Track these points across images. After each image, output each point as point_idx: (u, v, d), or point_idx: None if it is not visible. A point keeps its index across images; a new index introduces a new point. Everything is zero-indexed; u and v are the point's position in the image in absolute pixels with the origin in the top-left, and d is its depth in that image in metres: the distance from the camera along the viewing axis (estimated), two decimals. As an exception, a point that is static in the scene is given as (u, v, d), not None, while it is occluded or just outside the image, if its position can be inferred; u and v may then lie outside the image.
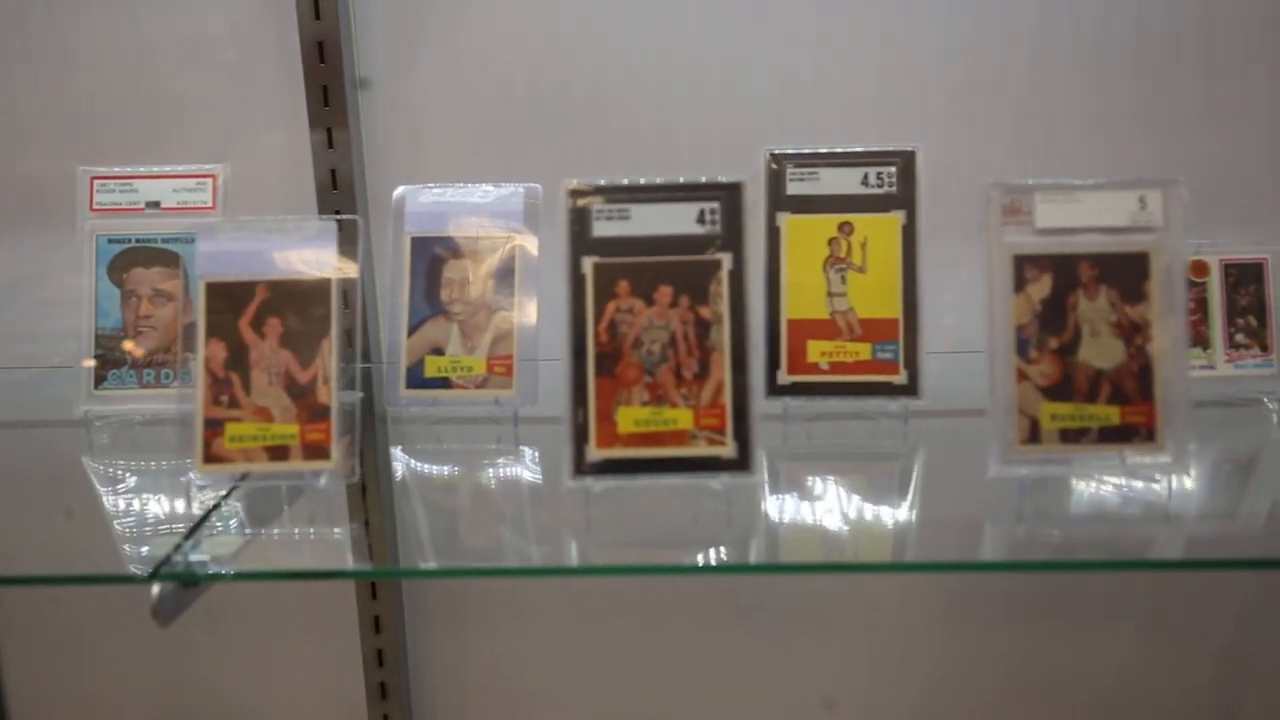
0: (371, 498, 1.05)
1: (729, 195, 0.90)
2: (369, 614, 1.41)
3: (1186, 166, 1.21)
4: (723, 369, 0.89)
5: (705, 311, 0.90)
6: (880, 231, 1.07)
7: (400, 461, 1.09)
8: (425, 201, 1.12)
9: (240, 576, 0.83)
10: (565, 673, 1.47)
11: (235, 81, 1.29)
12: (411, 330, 1.10)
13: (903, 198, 1.07)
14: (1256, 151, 1.21)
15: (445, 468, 1.09)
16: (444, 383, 1.09)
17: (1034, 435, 0.88)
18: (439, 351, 1.10)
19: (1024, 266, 0.89)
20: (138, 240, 1.11)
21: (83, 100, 1.30)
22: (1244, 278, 1.07)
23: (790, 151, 1.08)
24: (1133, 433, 0.87)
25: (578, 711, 1.48)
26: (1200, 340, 1.07)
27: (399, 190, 1.12)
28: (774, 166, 1.08)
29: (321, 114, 1.25)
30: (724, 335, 0.89)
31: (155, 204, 1.12)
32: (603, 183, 0.90)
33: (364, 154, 1.30)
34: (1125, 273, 0.88)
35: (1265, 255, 1.07)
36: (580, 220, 0.90)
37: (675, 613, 1.43)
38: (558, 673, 1.47)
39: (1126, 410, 0.87)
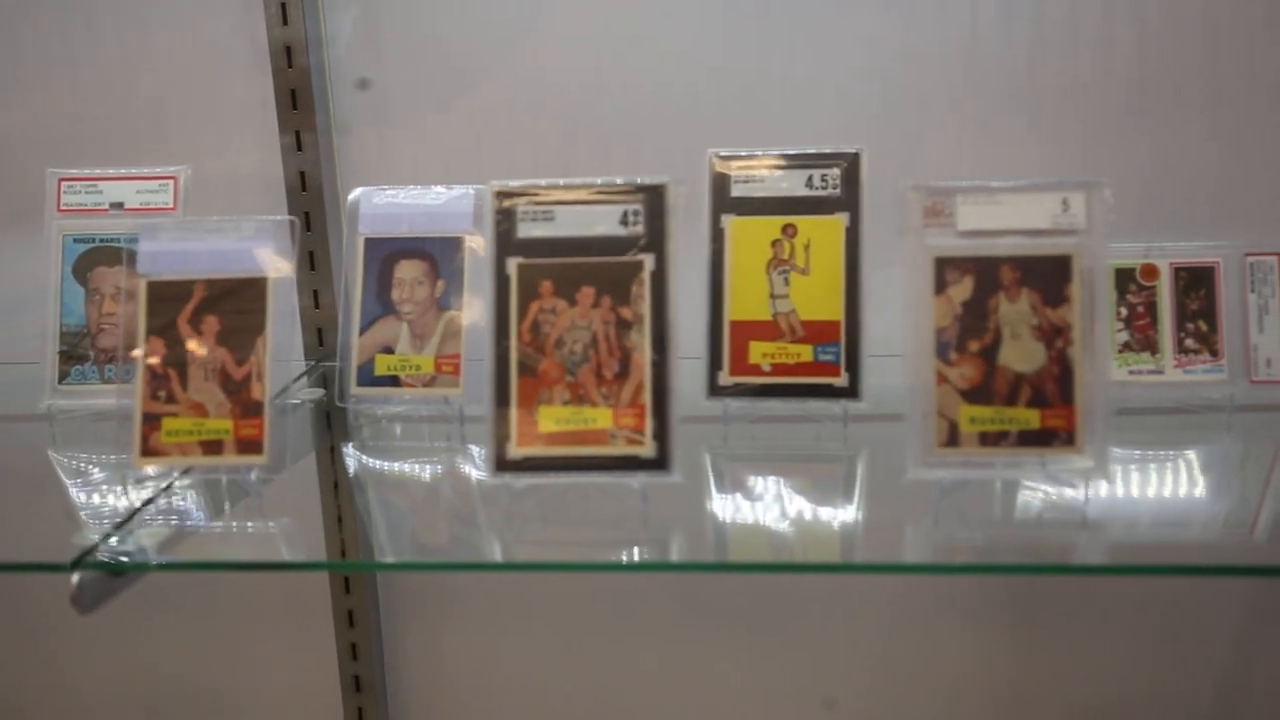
0: (326, 493, 1.08)
1: (651, 197, 0.91)
2: (343, 608, 1.44)
3: (1135, 168, 1.20)
4: (642, 369, 0.90)
5: (627, 312, 0.90)
6: (823, 234, 1.07)
7: (353, 458, 1.11)
8: (379, 203, 1.14)
9: (164, 567, 0.86)
10: (541, 666, 1.48)
11: (210, 86, 1.32)
12: (363, 329, 1.12)
13: (846, 200, 1.07)
14: (1211, 154, 1.19)
15: (393, 464, 1.11)
16: (393, 381, 1.11)
17: (953, 438, 0.87)
18: (389, 350, 1.12)
19: (945, 269, 0.88)
20: (101, 240, 1.15)
21: (64, 104, 1.34)
22: (1195, 281, 1.05)
23: (734, 153, 1.09)
24: (1052, 436, 0.86)
25: (554, 704, 1.50)
26: (1149, 345, 1.05)
27: (355, 192, 1.14)
28: (718, 168, 1.09)
29: (290, 117, 1.28)
30: (644, 336, 0.90)
31: (119, 205, 1.15)
32: (528, 184, 0.91)
33: (335, 156, 1.33)
34: (1047, 276, 0.87)
35: (1216, 259, 1.05)
36: (506, 221, 0.92)
37: (645, 609, 1.44)
38: (533, 666, 1.48)
39: (1046, 414, 0.87)
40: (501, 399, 0.90)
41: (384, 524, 1.02)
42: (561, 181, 0.91)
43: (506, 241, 0.91)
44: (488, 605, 1.47)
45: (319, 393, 1.22)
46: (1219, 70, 1.19)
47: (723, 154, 1.09)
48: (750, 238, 1.08)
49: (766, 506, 0.96)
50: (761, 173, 1.08)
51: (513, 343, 0.90)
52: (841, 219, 1.06)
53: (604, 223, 0.91)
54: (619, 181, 0.91)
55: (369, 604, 1.44)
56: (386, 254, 1.13)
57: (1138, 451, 1.03)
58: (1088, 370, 0.86)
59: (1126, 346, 1.05)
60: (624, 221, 0.91)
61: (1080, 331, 0.86)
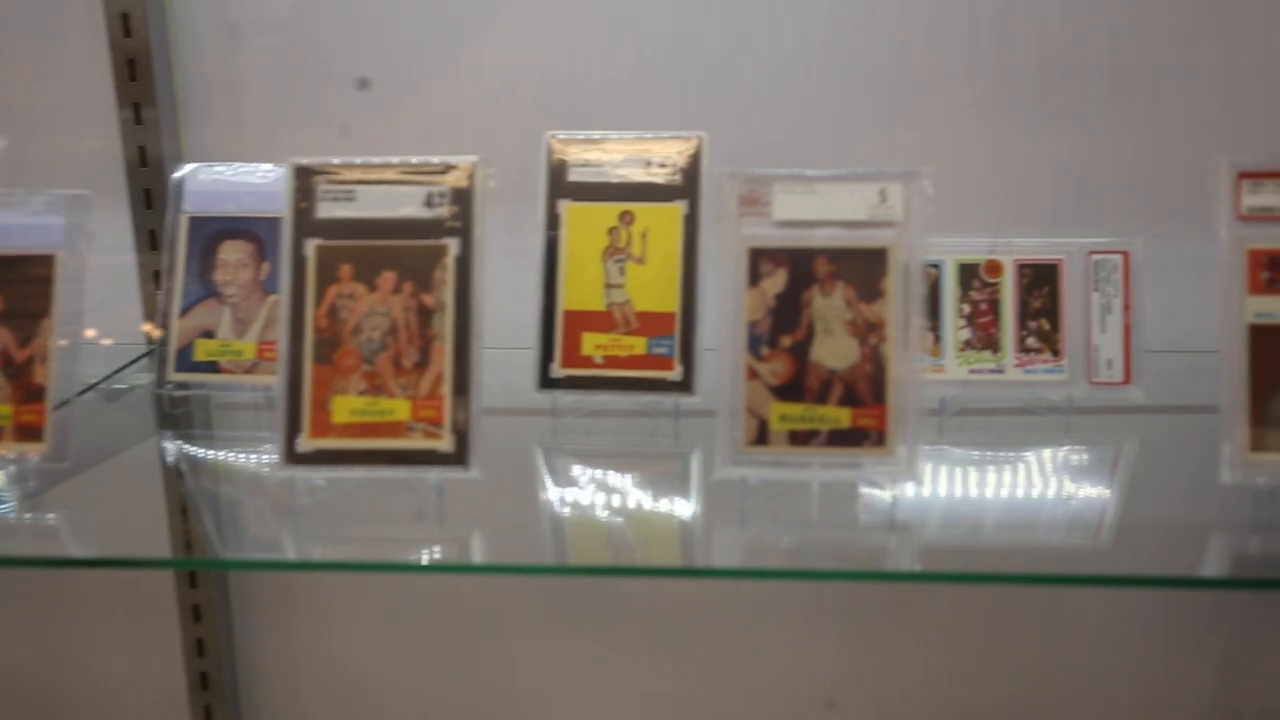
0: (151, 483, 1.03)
1: (459, 178, 0.87)
2: (188, 602, 1.38)
3: (982, 162, 1.18)
4: (444, 359, 0.86)
5: (429, 299, 0.86)
6: (661, 222, 1.03)
7: (169, 447, 1.06)
8: (205, 180, 1.09)
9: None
10: (402, 663, 1.44)
11: (44, 56, 1.26)
12: (184, 312, 1.07)
13: (686, 188, 1.03)
14: (1058, 149, 1.17)
15: (206, 455, 1.06)
16: (213, 367, 1.06)
17: (762, 436, 0.84)
18: (210, 335, 1.07)
19: (759, 260, 0.85)
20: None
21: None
22: (1038, 279, 1.02)
23: (572, 137, 1.05)
24: (863, 436, 0.83)
25: (416, 703, 1.45)
26: (991, 343, 1.03)
27: (180, 169, 1.09)
28: (555, 152, 1.05)
29: (128, 89, 1.22)
30: (446, 324, 0.86)
31: (-73, 176, 1.09)
32: (326, 161, 0.87)
33: (182, 131, 1.27)
34: (862, 269, 0.84)
35: (1060, 256, 1.02)
36: (306, 200, 0.87)
37: (506, 608, 1.40)
38: (393, 664, 1.44)
39: (858, 413, 0.83)
40: (293, 388, 0.85)
41: (184, 518, 0.97)
42: (359, 160, 0.86)
43: (305, 221, 0.87)
44: (347, 600, 1.43)
45: (148, 377, 1.17)
46: (1070, 66, 1.16)
47: (560, 137, 1.05)
48: (586, 224, 1.04)
49: (586, 505, 0.93)
50: (600, 157, 1.05)
51: (308, 328, 0.86)
52: (680, 207, 1.03)
53: (408, 204, 0.87)
54: (421, 161, 0.87)
55: (217, 599, 1.39)
56: (210, 234, 1.07)
57: (975, 452, 1.00)
58: (901, 368, 0.83)
59: (968, 344, 1.03)
60: (429, 203, 0.87)
61: (895, 328, 0.83)
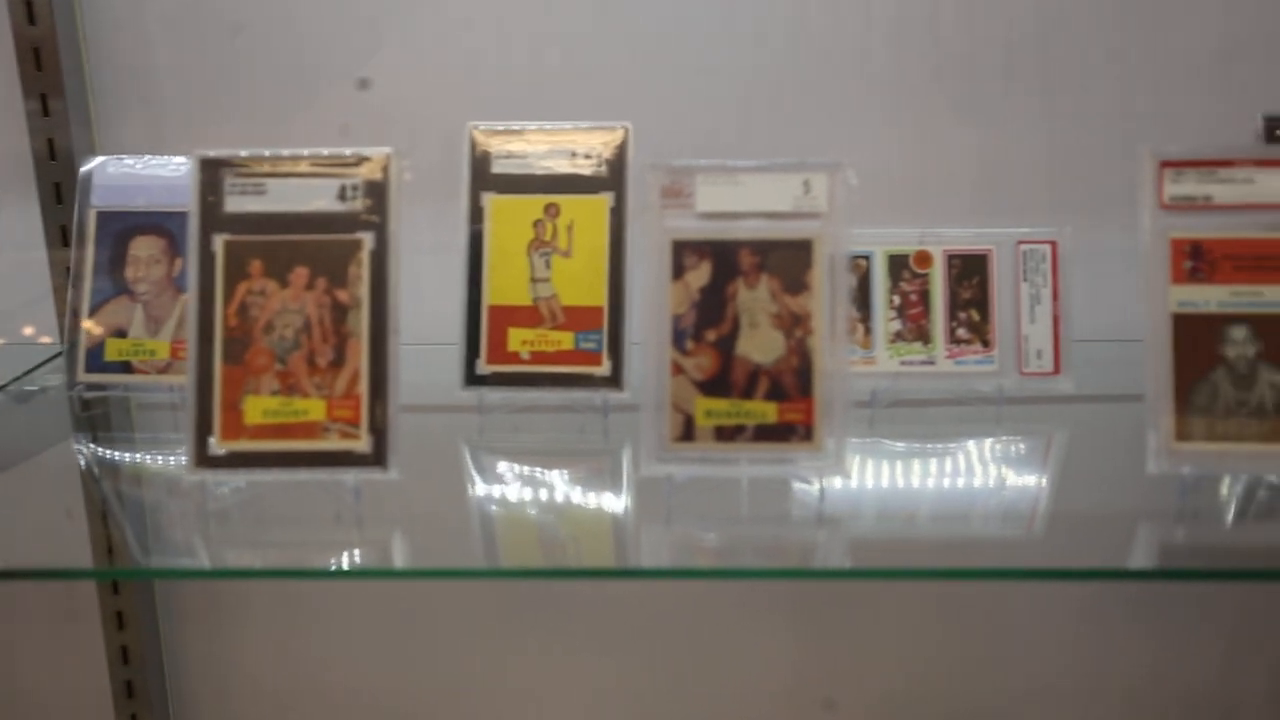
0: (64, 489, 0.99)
1: (373, 170, 0.84)
2: (111, 609, 1.34)
3: (912, 153, 1.17)
4: (360, 357, 0.83)
5: (343, 295, 0.83)
6: (587, 214, 1.01)
7: (78, 451, 1.02)
8: (114, 174, 1.05)
9: None
10: (332, 669, 1.40)
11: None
12: (94, 310, 1.03)
13: (611, 179, 1.01)
14: (988, 138, 1.16)
15: (117, 457, 1.02)
16: (125, 367, 1.03)
17: (688, 432, 0.82)
18: (122, 334, 1.03)
19: (683, 252, 0.83)
20: None
21: None
22: (968, 269, 1.02)
23: (496, 128, 1.02)
24: (790, 431, 0.82)
25: (347, 708, 1.42)
26: (922, 335, 1.02)
27: (88, 163, 1.05)
28: (478, 144, 1.02)
29: (35, 79, 1.18)
30: (362, 321, 0.83)
31: None
32: (233, 153, 0.83)
33: (93, 123, 1.23)
34: (787, 261, 0.83)
35: (990, 246, 1.02)
36: (213, 193, 0.84)
37: (440, 610, 1.37)
38: (327, 669, 1.41)
39: (784, 407, 0.82)
40: (203, 389, 0.82)
41: (104, 524, 0.93)
42: (268, 153, 0.83)
43: (212, 216, 0.83)
44: (276, 605, 1.39)
45: (59, 379, 1.12)
46: (997, 55, 1.16)
47: (483, 128, 1.02)
48: (511, 217, 1.02)
49: (513, 504, 0.91)
50: (524, 148, 1.02)
51: (217, 327, 0.83)
52: (606, 199, 1.01)
53: (320, 197, 0.84)
54: (332, 153, 0.84)
55: (142, 606, 1.35)
56: (120, 229, 1.04)
57: (902, 444, 0.99)
58: (828, 361, 0.82)
59: (899, 336, 1.02)
60: (342, 196, 0.84)
61: (821, 320, 0.82)
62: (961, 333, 1.02)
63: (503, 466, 0.98)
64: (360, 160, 0.84)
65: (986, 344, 1.01)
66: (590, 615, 1.35)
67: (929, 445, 1.00)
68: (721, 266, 0.83)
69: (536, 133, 1.02)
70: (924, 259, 1.02)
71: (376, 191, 0.84)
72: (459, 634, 1.37)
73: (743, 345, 0.83)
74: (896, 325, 1.02)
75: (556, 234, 1.01)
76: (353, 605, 1.38)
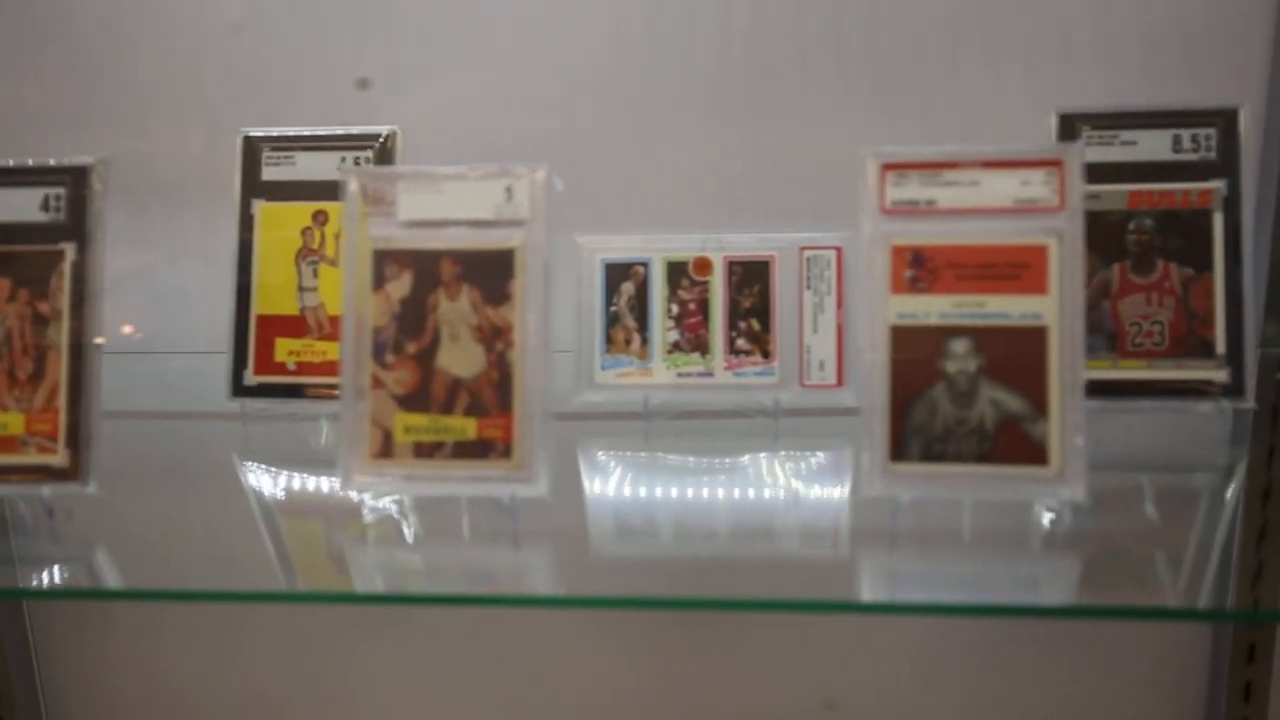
0: None
1: (76, 180, 0.82)
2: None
3: (701, 157, 1.12)
4: (59, 370, 0.81)
5: (44, 307, 0.82)
6: (355, 221, 0.99)
7: None
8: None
9: None
10: (212, 679, 1.40)
11: None
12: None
13: (380, 185, 0.98)
14: (771, 143, 1.11)
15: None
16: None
17: (387, 449, 0.79)
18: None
19: (384, 262, 0.80)
20: None
21: None
22: (749, 277, 0.97)
23: (266, 133, 1.00)
24: (489, 447, 0.78)
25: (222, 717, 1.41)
26: (700, 345, 0.97)
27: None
28: (250, 150, 1.00)
29: None
30: (63, 333, 0.82)
31: None
32: (-63, 164, 0.83)
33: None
34: (489, 271, 0.79)
35: (772, 252, 0.97)
36: (-79, 205, 0.83)
37: (306, 618, 1.36)
38: (203, 680, 1.40)
39: (484, 423, 0.79)
40: (-96, 402, 0.81)
41: None
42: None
43: (-81, 227, 0.83)
44: (152, 616, 1.39)
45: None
46: (786, 59, 1.11)
47: (253, 134, 1.00)
48: (280, 225, 1.00)
49: (238, 516, 0.88)
50: (294, 154, 1.00)
51: (-81, 340, 0.82)
52: (373, 205, 0.98)
53: (24, 208, 0.82)
54: (38, 163, 0.82)
55: (11, 618, 1.36)
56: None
57: (673, 458, 0.95)
58: (529, 375, 0.78)
59: (676, 346, 0.97)
60: (45, 207, 0.82)
61: (522, 333, 0.78)
62: (741, 343, 0.97)
63: (260, 479, 0.96)
64: (62, 169, 0.82)
65: (767, 355, 0.97)
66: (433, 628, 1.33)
67: (704, 460, 0.96)
68: (423, 277, 0.80)
69: (307, 138, 1.00)
70: (703, 266, 0.98)
71: (77, 202, 0.82)
72: (338, 648, 1.36)
73: (443, 359, 0.79)
74: (674, 335, 0.98)
75: (324, 241, 0.99)
76: (221, 614, 1.37)
